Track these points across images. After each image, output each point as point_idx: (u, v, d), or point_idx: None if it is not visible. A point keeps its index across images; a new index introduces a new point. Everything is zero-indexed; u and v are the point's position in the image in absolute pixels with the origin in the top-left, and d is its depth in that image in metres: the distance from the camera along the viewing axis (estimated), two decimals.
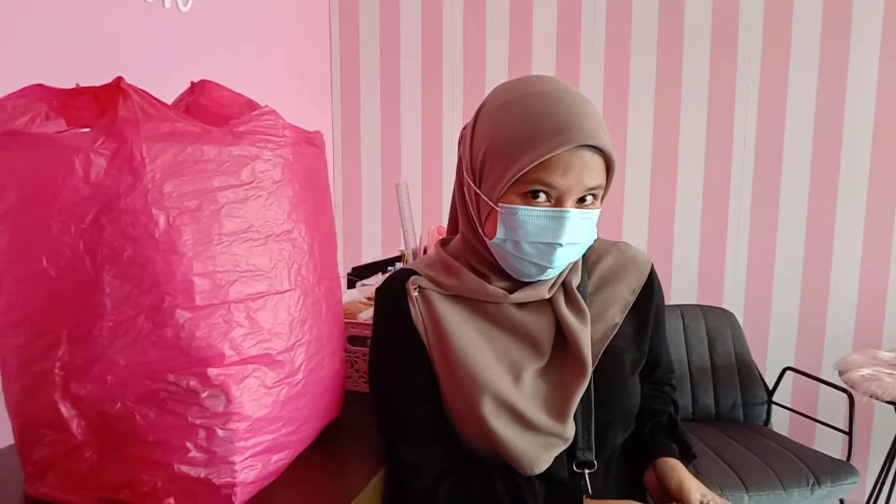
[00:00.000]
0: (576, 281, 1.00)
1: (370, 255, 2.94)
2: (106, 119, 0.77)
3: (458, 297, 0.98)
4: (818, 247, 2.82)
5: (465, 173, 0.96)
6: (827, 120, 2.75)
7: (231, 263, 0.82)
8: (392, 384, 0.98)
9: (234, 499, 0.83)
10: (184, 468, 0.81)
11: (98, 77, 0.86)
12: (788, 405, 2.63)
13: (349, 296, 1.35)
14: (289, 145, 0.89)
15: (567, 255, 0.92)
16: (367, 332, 1.21)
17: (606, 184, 0.91)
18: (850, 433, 2.28)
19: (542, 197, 0.88)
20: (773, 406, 2.59)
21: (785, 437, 2.42)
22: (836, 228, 2.79)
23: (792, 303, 2.87)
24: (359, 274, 1.79)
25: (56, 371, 0.79)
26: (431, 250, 1.71)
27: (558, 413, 0.93)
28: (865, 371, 2.26)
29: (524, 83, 0.91)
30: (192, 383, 0.80)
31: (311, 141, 0.96)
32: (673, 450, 1.04)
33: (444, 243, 1.07)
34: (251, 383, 0.83)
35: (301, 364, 0.90)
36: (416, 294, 0.97)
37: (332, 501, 0.86)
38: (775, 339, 2.90)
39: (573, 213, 0.88)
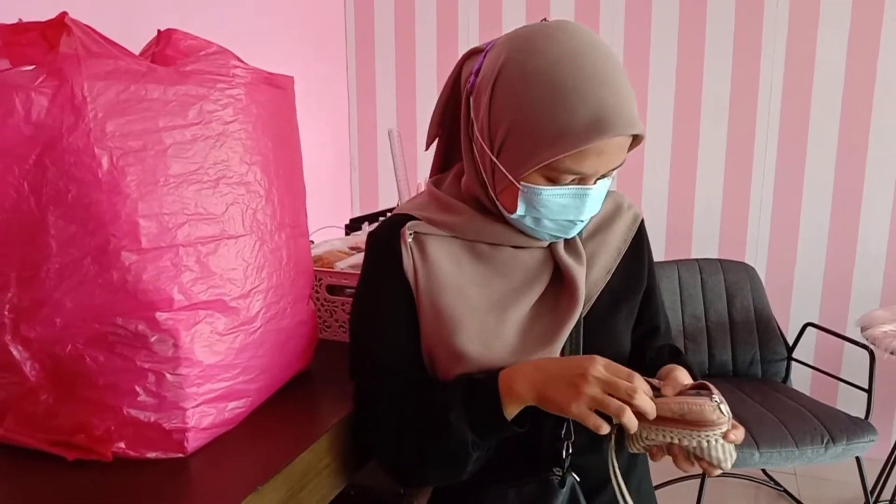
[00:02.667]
0: None
1: (386, 206, 2.92)
2: (48, 57, 0.75)
3: (456, 240, 0.95)
4: (846, 198, 2.71)
5: (478, 134, 0.90)
6: (857, 68, 2.61)
7: (179, 205, 0.80)
8: (374, 332, 0.95)
9: (185, 444, 0.82)
10: (133, 412, 0.80)
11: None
12: (811, 362, 2.56)
13: (331, 245, 1.33)
14: (240, 86, 0.86)
15: (583, 225, 0.92)
16: (346, 282, 1.19)
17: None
18: (869, 391, 2.22)
19: (568, 178, 0.85)
20: (794, 363, 2.52)
21: (802, 394, 2.36)
22: (866, 180, 2.67)
23: (817, 257, 2.78)
24: (358, 224, 1.77)
25: (5, 313, 0.79)
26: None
27: (546, 339, 0.90)
28: (888, 327, 2.18)
29: (552, 43, 0.82)
30: (140, 327, 0.79)
31: (272, 82, 0.93)
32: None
33: (437, 183, 1.03)
34: (202, 329, 0.82)
35: (258, 312, 0.89)
36: (410, 240, 0.93)
37: (290, 447, 0.85)
38: (799, 294, 2.82)
39: (594, 189, 0.86)
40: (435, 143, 1.06)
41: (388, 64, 3.14)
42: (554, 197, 0.85)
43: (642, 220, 1.05)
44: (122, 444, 0.81)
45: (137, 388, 0.80)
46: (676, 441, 0.79)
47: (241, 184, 0.86)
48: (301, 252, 1.00)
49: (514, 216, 0.89)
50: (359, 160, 3.25)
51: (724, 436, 0.78)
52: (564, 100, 0.79)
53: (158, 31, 0.97)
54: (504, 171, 0.86)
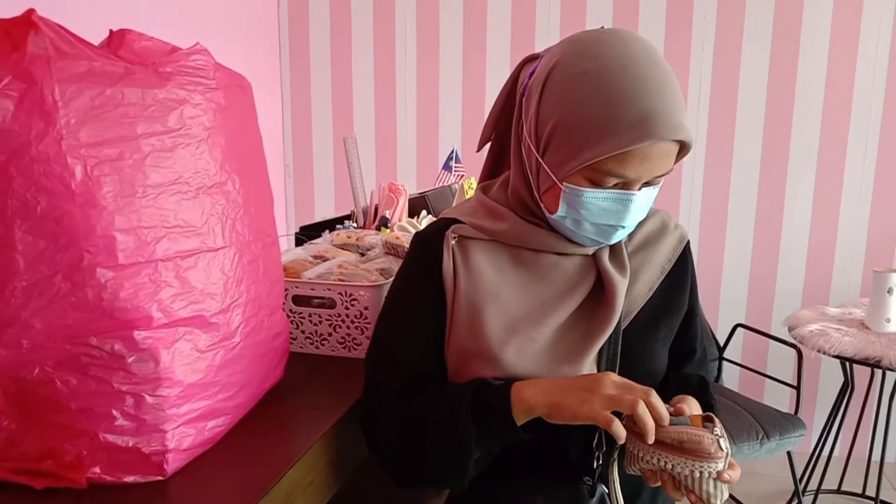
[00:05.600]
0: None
1: (323, 215, 2.87)
2: (14, 56, 0.69)
3: (499, 245, 0.95)
4: (769, 206, 2.84)
5: (526, 134, 0.90)
6: (780, 80, 2.75)
7: (158, 218, 0.75)
8: (396, 326, 0.97)
9: (165, 466, 0.78)
10: (110, 437, 0.75)
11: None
12: (739, 361, 2.67)
13: (294, 254, 1.29)
14: (221, 88, 0.82)
15: (625, 233, 0.91)
16: (313, 292, 1.16)
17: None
18: (798, 388, 2.32)
19: (611, 181, 0.84)
20: (724, 362, 2.62)
21: (735, 393, 2.45)
22: (787, 188, 2.81)
23: (743, 261, 2.90)
24: (308, 233, 1.73)
25: None
26: (383, 209, 1.66)
27: (578, 350, 0.90)
28: (814, 326, 2.29)
29: (604, 48, 0.83)
30: (116, 347, 0.74)
31: (241, 84, 0.89)
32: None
33: (485, 189, 1.03)
34: (183, 347, 0.78)
35: (238, 326, 0.85)
36: (454, 243, 0.94)
37: (274, 466, 0.82)
38: (727, 296, 2.94)
39: (639, 196, 0.86)
40: (486, 150, 1.06)
41: (324, 71, 3.09)
42: (596, 199, 0.85)
43: (688, 242, 1.04)
44: (97, 469, 0.76)
45: (114, 412, 0.75)
46: (671, 467, 0.80)
47: (220, 193, 0.82)
48: (273, 262, 0.97)
49: (555, 216, 0.89)
50: (294, 168, 3.19)
51: (719, 475, 0.79)
52: (611, 102, 0.80)
53: (110, 31, 0.92)
54: (548, 170, 0.87)
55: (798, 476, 2.43)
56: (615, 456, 0.85)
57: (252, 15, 2.93)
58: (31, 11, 0.71)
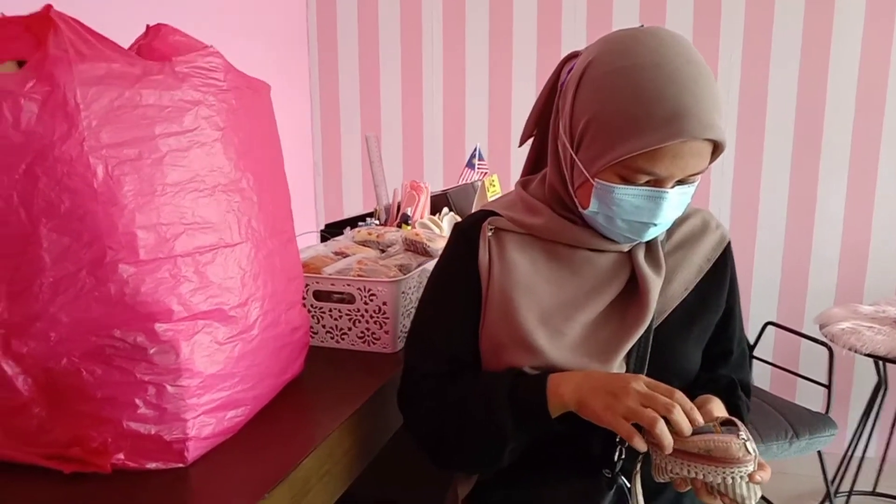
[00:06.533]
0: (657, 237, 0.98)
1: (351, 212, 2.91)
2: (36, 58, 0.72)
3: (535, 239, 0.97)
4: (801, 202, 2.80)
5: (560, 130, 0.92)
6: (811, 74, 2.70)
7: (176, 215, 0.79)
8: (434, 314, 1.00)
9: (186, 454, 0.81)
10: (133, 425, 0.79)
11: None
12: (770, 360, 2.63)
13: (315, 251, 1.32)
14: (232, 90, 0.85)
15: (658, 230, 0.92)
16: (333, 287, 1.19)
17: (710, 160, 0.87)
18: (829, 387, 2.29)
19: (642, 179, 0.85)
20: (755, 361, 2.59)
21: (764, 391, 2.43)
22: (819, 183, 2.77)
23: (774, 258, 2.86)
24: (332, 230, 1.76)
25: None
26: (404, 206, 1.68)
27: (608, 348, 0.91)
28: (845, 324, 2.26)
29: (639, 46, 0.83)
30: (139, 339, 0.77)
31: (253, 87, 0.92)
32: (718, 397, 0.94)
33: (524, 184, 1.05)
34: (202, 339, 0.81)
35: (256, 319, 0.88)
36: (490, 234, 0.97)
37: (291, 454, 0.85)
38: (757, 294, 2.90)
39: (672, 194, 0.86)
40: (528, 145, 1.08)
41: (352, 69, 3.13)
42: (627, 196, 0.86)
43: (729, 242, 1.03)
44: (121, 456, 0.79)
45: (137, 401, 0.78)
46: (701, 476, 0.80)
47: (235, 191, 0.85)
48: (291, 258, 0.99)
49: (587, 212, 0.90)
50: (322, 166, 3.23)
51: (750, 476, 0.79)
52: (643, 99, 0.80)
53: (147, 26, 0.95)
54: (581, 166, 0.88)
55: (830, 477, 2.39)
56: (640, 457, 0.85)
57: (281, 16, 2.98)
58: (48, 7, 0.74)
